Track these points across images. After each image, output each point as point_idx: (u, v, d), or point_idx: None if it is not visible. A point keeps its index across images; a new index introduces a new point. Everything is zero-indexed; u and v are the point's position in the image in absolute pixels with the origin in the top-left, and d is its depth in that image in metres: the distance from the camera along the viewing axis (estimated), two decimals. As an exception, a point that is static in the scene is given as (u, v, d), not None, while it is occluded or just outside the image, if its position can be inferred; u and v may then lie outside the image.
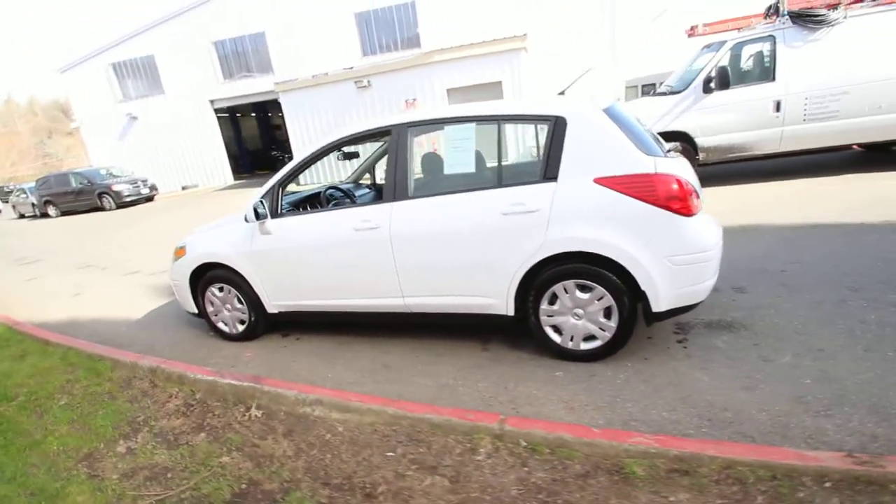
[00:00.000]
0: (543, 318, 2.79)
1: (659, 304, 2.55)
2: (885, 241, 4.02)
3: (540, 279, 2.71)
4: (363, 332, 3.60)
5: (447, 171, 2.97)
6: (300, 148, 16.11)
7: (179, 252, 3.83)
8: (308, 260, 3.25)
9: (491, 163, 2.81)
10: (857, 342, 2.64)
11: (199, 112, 19.96)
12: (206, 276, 3.69)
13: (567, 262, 2.63)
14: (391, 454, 2.15)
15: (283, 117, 17.04)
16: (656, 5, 14.11)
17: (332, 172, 14.20)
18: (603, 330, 2.70)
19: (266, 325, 3.72)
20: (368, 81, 14.97)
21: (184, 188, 20.51)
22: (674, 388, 2.44)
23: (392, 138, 3.02)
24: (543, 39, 14.93)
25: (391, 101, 14.93)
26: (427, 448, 2.14)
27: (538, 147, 2.78)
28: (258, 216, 3.24)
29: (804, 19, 6.09)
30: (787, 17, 6.20)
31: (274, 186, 3.37)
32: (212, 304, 3.78)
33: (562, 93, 3.81)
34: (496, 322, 2.94)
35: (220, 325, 3.84)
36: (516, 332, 3.17)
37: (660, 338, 2.97)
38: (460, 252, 2.82)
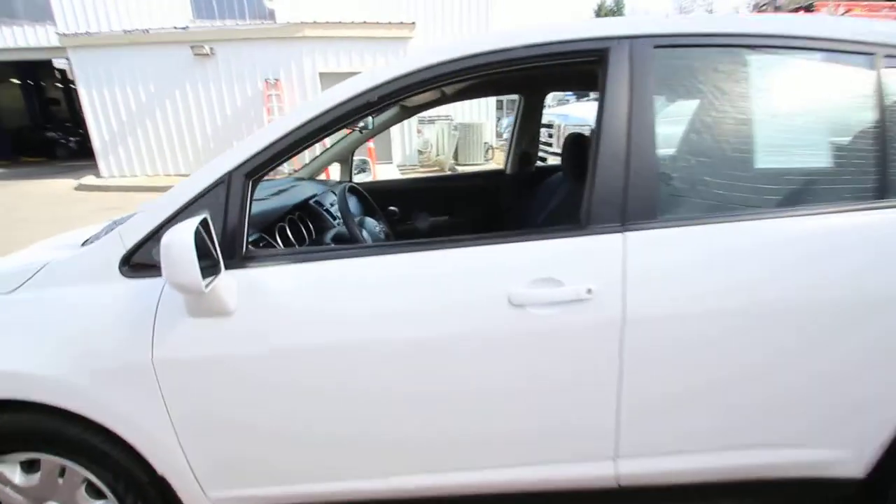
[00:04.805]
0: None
1: None
2: None
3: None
4: None
5: (759, 163, 1.28)
6: (101, 127, 11.67)
7: None
8: (371, 378, 1.17)
9: (839, 149, 1.24)
10: None
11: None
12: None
13: None
14: None
15: (62, 86, 12.20)
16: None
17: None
18: None
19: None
20: (211, 49, 11.50)
21: None
22: None
23: (609, 67, 1.21)
24: (424, 32, 13.63)
25: (244, 79, 11.78)
26: None
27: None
28: (210, 271, 1.03)
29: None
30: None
31: (231, 174, 1.20)
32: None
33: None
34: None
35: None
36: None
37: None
38: (796, 349, 1.19)
